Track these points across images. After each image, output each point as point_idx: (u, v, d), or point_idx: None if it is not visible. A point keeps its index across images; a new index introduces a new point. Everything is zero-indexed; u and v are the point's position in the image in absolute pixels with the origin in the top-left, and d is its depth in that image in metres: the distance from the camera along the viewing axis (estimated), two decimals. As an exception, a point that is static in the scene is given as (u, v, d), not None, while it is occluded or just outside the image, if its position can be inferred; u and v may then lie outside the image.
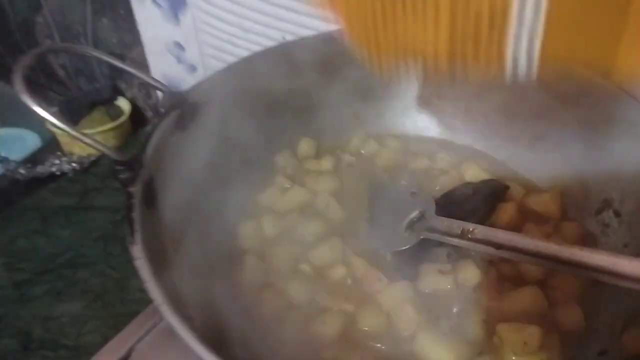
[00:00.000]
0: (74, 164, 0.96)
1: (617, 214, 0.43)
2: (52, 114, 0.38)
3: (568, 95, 0.46)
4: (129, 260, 0.79)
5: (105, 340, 0.67)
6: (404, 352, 0.38)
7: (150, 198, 0.38)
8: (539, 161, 0.50)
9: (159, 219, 0.38)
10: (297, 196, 0.50)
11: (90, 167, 0.97)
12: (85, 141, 0.37)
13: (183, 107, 0.45)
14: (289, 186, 0.51)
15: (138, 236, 0.33)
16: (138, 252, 0.32)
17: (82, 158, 0.98)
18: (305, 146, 0.55)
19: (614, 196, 0.43)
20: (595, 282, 0.36)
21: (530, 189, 0.49)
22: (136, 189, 0.37)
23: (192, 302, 0.35)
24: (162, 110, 0.45)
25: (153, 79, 0.45)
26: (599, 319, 0.38)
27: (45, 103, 1.14)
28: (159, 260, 0.34)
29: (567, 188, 0.47)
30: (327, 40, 0.53)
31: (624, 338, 0.34)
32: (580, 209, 0.46)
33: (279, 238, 0.47)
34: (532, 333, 0.36)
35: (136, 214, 0.35)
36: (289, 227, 0.47)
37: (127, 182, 0.38)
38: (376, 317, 0.39)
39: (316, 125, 0.56)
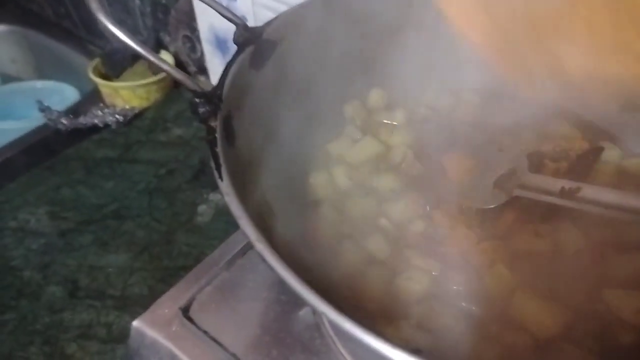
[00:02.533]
0: (117, 116, 0.94)
1: None
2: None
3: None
4: (175, 214, 0.78)
5: (152, 292, 0.67)
6: (497, 314, 0.34)
7: (230, 135, 0.35)
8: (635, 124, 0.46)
9: (237, 157, 0.35)
10: (370, 148, 0.47)
11: (133, 119, 0.95)
12: (163, 67, 0.34)
13: (257, 44, 0.42)
14: (359, 137, 0.48)
15: (224, 171, 0.30)
16: (227, 188, 0.29)
17: (125, 110, 0.96)
18: (375, 97, 0.51)
19: None
20: None
21: (626, 151, 0.45)
22: (217, 124, 0.34)
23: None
24: (235, 44, 0.41)
25: (228, 10, 0.42)
26: None
27: (87, 56, 1.11)
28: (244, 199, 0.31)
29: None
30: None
31: None
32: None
33: (353, 190, 0.44)
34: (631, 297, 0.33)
35: (219, 149, 0.32)
36: (363, 179, 0.44)
37: (205, 117, 0.35)
38: (465, 276, 0.36)
39: (387, 75, 0.52)
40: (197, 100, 0.35)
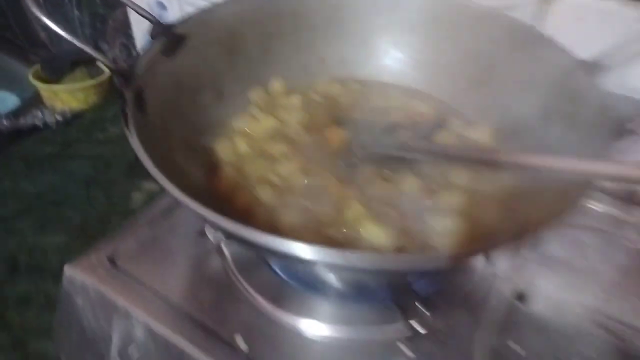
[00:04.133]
0: (56, 117, 1.01)
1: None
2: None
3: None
4: (110, 202, 0.86)
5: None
6: (350, 236, 0.45)
7: (140, 104, 0.45)
8: (478, 104, 0.59)
9: (147, 123, 0.45)
10: (268, 123, 0.57)
11: (72, 120, 1.02)
12: (86, 49, 0.44)
13: (168, 37, 0.52)
14: (260, 115, 0.58)
15: (132, 123, 0.40)
16: (131, 130, 0.39)
17: (65, 112, 1.03)
18: (276, 84, 0.62)
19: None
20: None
21: (469, 123, 0.58)
22: (129, 93, 0.44)
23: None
24: (151, 37, 0.51)
25: (145, 10, 0.52)
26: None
27: (28, 65, 1.19)
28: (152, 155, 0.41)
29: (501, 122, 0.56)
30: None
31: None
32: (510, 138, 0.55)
33: (251, 155, 0.54)
34: (452, 221, 0.45)
35: (129, 110, 0.42)
36: (261, 147, 0.55)
37: (122, 88, 0.44)
38: (330, 210, 0.47)
39: (287, 67, 0.63)
40: (115, 75, 0.44)
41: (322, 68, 0.65)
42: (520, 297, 0.52)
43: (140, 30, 1.00)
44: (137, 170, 0.91)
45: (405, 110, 0.60)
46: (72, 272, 0.52)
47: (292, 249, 0.32)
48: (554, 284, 0.53)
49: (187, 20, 0.54)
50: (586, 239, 0.59)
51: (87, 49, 0.44)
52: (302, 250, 0.32)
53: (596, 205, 0.62)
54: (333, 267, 0.40)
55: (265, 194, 0.49)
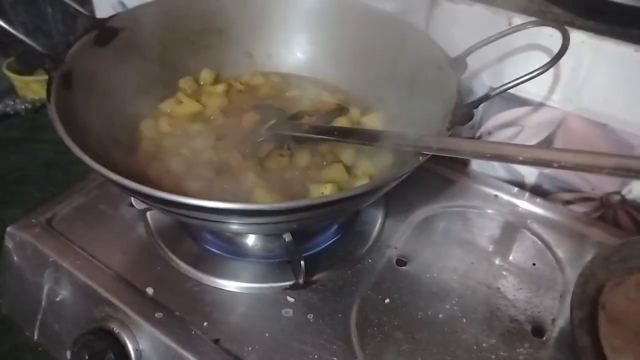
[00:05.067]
0: (26, 105, 1.09)
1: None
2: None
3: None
4: (69, 181, 0.93)
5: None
6: (246, 200, 0.54)
7: (67, 83, 0.53)
8: (373, 92, 0.67)
9: (73, 100, 0.53)
10: (190, 106, 0.66)
11: (40, 108, 1.10)
12: (16, 35, 0.52)
13: (101, 29, 0.60)
14: (186, 100, 0.67)
15: (53, 98, 0.48)
16: (52, 109, 0.47)
17: (35, 100, 1.11)
18: (205, 75, 0.71)
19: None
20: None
21: (365, 111, 0.66)
22: (57, 74, 0.52)
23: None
24: (84, 29, 0.60)
25: (75, 2, 0.60)
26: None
27: (2, 54, 1.27)
28: (70, 124, 0.49)
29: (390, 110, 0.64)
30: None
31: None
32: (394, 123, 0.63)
33: (171, 133, 0.62)
34: (329, 188, 0.53)
35: (53, 87, 0.50)
36: (180, 126, 0.63)
37: (51, 71, 0.53)
38: (230, 181, 0.55)
39: (217, 61, 0.72)
40: (43, 58, 0.53)
41: (250, 62, 0.74)
42: (400, 261, 0.60)
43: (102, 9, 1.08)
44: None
45: (313, 100, 0.68)
46: (13, 231, 0.60)
47: (181, 201, 0.40)
48: (434, 252, 0.62)
49: (120, 15, 0.63)
50: (472, 217, 0.67)
51: (20, 36, 0.53)
52: (191, 201, 0.40)
53: (485, 189, 0.70)
54: (220, 216, 0.48)
55: (175, 164, 0.57)
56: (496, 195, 0.70)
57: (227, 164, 0.58)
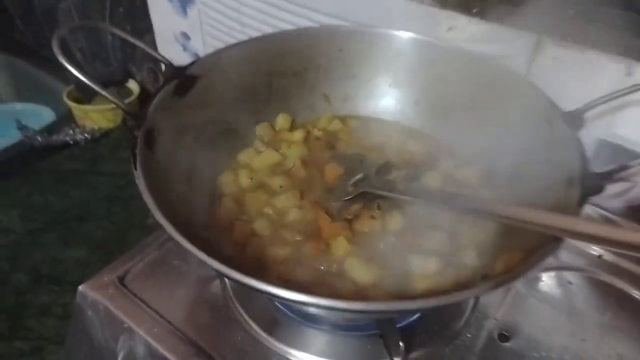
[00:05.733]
0: (86, 135, 1.08)
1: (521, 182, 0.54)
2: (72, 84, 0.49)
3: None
4: (129, 218, 0.92)
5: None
6: (336, 270, 0.49)
7: (150, 142, 0.50)
8: (470, 145, 0.62)
9: (156, 160, 0.49)
10: (270, 157, 0.61)
11: (100, 138, 1.09)
12: (103, 93, 0.49)
13: (181, 78, 0.57)
14: (264, 149, 0.63)
15: (139, 165, 0.45)
16: (139, 174, 0.44)
17: (94, 130, 1.10)
18: (281, 120, 0.66)
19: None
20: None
21: (458, 163, 0.61)
22: (140, 134, 0.48)
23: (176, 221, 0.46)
24: (163, 79, 0.56)
25: (158, 53, 0.57)
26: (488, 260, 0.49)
27: (63, 82, 1.29)
28: (154, 188, 0.46)
29: (488, 163, 0.58)
30: (305, 34, 0.66)
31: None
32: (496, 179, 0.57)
33: (252, 187, 0.58)
34: (434, 262, 0.48)
35: (138, 151, 0.46)
36: (261, 180, 0.59)
37: (132, 129, 0.49)
38: (318, 245, 0.51)
39: (293, 104, 0.68)
40: (126, 116, 0.49)
41: (326, 105, 0.69)
42: (503, 336, 0.54)
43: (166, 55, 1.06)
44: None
45: (399, 148, 0.63)
46: (85, 290, 0.57)
47: (283, 295, 0.36)
48: (539, 325, 0.55)
49: (198, 62, 0.59)
50: (571, 279, 0.60)
51: (100, 90, 0.50)
52: (292, 296, 0.35)
53: (588, 248, 0.64)
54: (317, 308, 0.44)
55: (261, 227, 0.53)
56: (600, 256, 0.63)
57: (314, 226, 0.53)
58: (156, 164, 0.49)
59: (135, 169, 0.45)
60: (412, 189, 0.53)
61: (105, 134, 1.10)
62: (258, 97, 0.65)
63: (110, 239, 0.86)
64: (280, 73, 0.66)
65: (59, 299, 0.75)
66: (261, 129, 0.65)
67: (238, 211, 0.55)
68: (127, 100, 1.12)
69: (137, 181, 0.44)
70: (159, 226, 0.82)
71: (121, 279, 0.59)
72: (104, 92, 0.49)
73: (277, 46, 0.65)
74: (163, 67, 0.58)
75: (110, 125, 1.11)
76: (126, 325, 0.54)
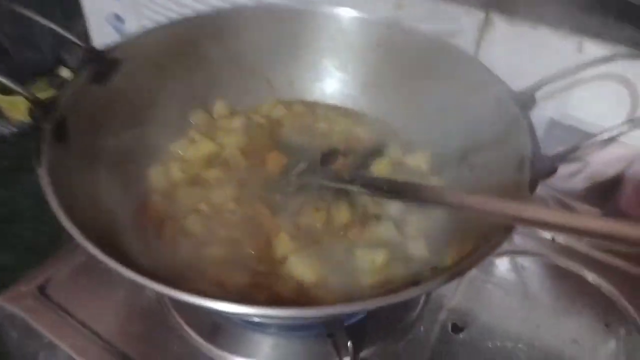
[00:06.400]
0: (13, 128, 0.99)
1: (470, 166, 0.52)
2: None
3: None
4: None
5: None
6: (278, 272, 0.45)
7: (61, 134, 0.44)
8: (418, 128, 0.58)
9: (67, 156, 0.43)
10: (205, 147, 0.56)
11: (29, 131, 1.00)
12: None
13: (100, 62, 0.51)
14: (199, 139, 0.57)
15: (45, 160, 0.39)
16: (44, 176, 0.38)
17: (22, 123, 1.01)
18: (219, 107, 0.61)
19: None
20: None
21: (407, 148, 0.57)
22: (47, 126, 0.43)
23: (93, 225, 0.40)
24: (81, 63, 0.50)
25: (70, 34, 0.51)
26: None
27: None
28: (64, 185, 0.40)
29: (437, 147, 0.55)
30: (242, 13, 0.60)
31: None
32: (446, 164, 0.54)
33: (184, 181, 0.53)
34: (381, 254, 0.44)
35: (44, 145, 0.41)
36: (195, 173, 0.54)
37: (40, 120, 0.43)
38: (258, 243, 0.46)
39: (233, 90, 0.62)
40: (32, 107, 0.43)
41: (269, 90, 0.64)
42: (456, 327, 0.52)
43: (100, 41, 0.98)
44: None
45: (346, 135, 0.59)
46: (2, 302, 0.51)
47: (213, 307, 0.31)
48: (492, 313, 0.53)
49: (120, 45, 0.53)
50: (525, 263, 0.59)
51: (5, 81, 0.43)
52: (229, 308, 0.31)
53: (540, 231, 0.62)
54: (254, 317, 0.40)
55: (193, 225, 0.48)
56: (553, 239, 0.62)
57: (253, 221, 0.49)
58: (69, 163, 0.44)
59: (39, 165, 0.39)
60: (358, 178, 0.49)
61: (36, 127, 1.01)
62: (192, 82, 0.60)
63: (42, 242, 0.79)
64: (215, 56, 0.61)
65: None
66: (196, 117, 0.60)
67: (169, 208, 0.50)
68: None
69: (40, 180, 0.38)
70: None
71: (42, 289, 0.53)
72: (8, 82, 0.43)
73: (211, 26, 0.60)
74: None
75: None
76: (46, 340, 0.48)
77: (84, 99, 0.48)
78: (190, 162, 0.55)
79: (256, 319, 0.47)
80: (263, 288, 0.43)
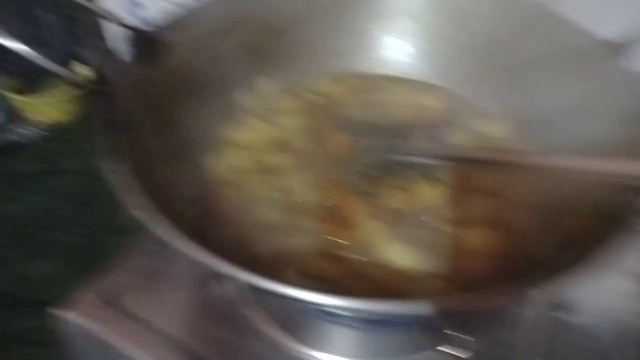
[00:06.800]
0: (41, 132, 0.95)
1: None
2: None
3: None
4: (100, 219, 0.80)
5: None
6: (372, 259, 0.41)
7: (120, 126, 0.40)
8: (492, 94, 0.54)
9: (127, 146, 0.39)
10: (264, 131, 0.52)
11: (56, 133, 0.96)
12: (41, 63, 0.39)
13: (150, 45, 0.46)
14: (255, 122, 0.53)
15: (112, 154, 0.35)
16: (112, 165, 0.34)
17: (49, 125, 0.97)
18: (267, 85, 0.56)
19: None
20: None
21: (484, 117, 0.53)
22: (108, 116, 0.38)
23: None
24: (133, 48, 0.46)
25: (122, 18, 0.46)
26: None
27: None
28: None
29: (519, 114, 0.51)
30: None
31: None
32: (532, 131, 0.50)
33: (250, 169, 0.49)
34: (485, 234, 0.40)
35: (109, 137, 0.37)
36: (258, 159, 0.50)
37: (100, 110, 0.39)
38: (342, 229, 0.42)
39: (279, 66, 0.58)
40: (90, 95, 0.39)
41: (313, 63, 0.59)
42: (563, 309, 0.48)
43: (113, 30, 0.93)
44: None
45: (412, 106, 0.54)
46: (68, 315, 0.48)
47: (311, 299, 0.28)
48: (597, 291, 0.49)
49: (167, 26, 0.48)
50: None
51: (53, 68, 0.39)
52: (326, 300, 0.27)
53: None
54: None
55: (270, 215, 0.44)
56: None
57: (332, 206, 0.45)
58: (129, 153, 0.39)
59: (106, 160, 0.35)
60: (439, 150, 0.45)
61: (62, 128, 0.97)
62: (241, 59, 0.55)
63: (82, 247, 0.75)
64: (254, 29, 0.55)
65: (33, 323, 0.65)
66: (245, 98, 0.55)
67: (240, 199, 0.46)
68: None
69: (110, 175, 0.34)
70: (138, 227, 0.72)
71: (105, 296, 0.49)
72: (59, 69, 0.39)
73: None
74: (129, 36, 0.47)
75: (66, 117, 0.98)
76: (120, 348, 0.45)
77: (137, 86, 0.44)
78: (252, 148, 0.51)
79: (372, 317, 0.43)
80: (362, 278, 0.39)
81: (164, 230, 0.32)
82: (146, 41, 0.47)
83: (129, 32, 0.47)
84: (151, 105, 0.45)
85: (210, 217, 0.44)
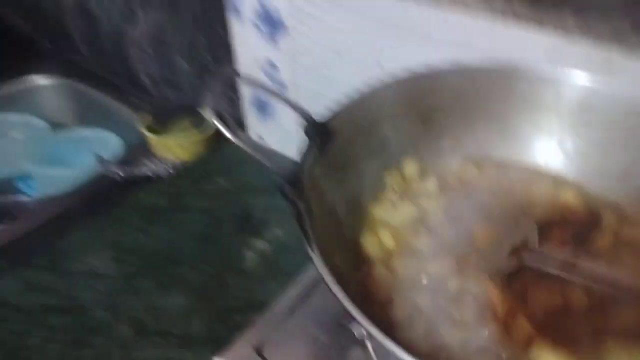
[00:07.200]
0: (167, 168, 1.05)
1: None
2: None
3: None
4: (224, 260, 0.87)
5: (210, 331, 0.75)
6: (519, 356, 0.43)
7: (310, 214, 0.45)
8: (631, 193, 0.55)
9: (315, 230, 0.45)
10: (408, 211, 0.56)
11: (182, 171, 1.06)
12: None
13: (323, 136, 0.52)
14: (399, 202, 0.58)
15: (314, 245, 0.40)
16: (317, 257, 0.39)
17: (175, 163, 1.07)
18: (410, 167, 0.61)
19: None
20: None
21: (624, 219, 0.54)
22: (303, 205, 0.44)
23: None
24: (306, 136, 0.52)
25: (300, 107, 0.52)
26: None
27: (130, 107, 1.24)
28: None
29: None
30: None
31: None
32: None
33: (398, 250, 0.53)
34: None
35: (307, 226, 0.42)
36: (404, 240, 0.54)
37: (292, 199, 0.45)
38: (493, 324, 0.45)
39: (423, 148, 0.62)
40: (283, 183, 0.45)
41: (456, 148, 0.64)
42: None
43: (248, 88, 1.02)
44: (247, 227, 0.93)
45: (553, 202, 0.57)
46: (223, 361, 0.53)
47: None
48: None
49: (337, 116, 0.54)
50: None
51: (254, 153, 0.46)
52: None
53: None
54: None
55: (423, 302, 0.48)
56: None
57: (481, 299, 0.48)
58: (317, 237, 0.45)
59: (310, 247, 0.41)
60: (589, 271, 0.47)
61: (187, 167, 1.06)
62: (388, 143, 0.60)
63: (208, 285, 0.82)
64: (404, 116, 0.61)
65: (166, 354, 0.72)
66: (391, 177, 0.60)
67: (391, 280, 0.51)
68: (205, 132, 1.09)
69: (315, 260, 0.39)
70: (267, 277, 0.77)
71: (258, 351, 0.55)
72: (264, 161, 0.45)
73: (411, 89, 0.60)
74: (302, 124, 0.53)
75: (189, 157, 1.08)
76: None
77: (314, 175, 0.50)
78: (397, 228, 0.55)
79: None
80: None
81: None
82: (317, 129, 0.53)
83: (303, 121, 0.53)
84: (322, 193, 0.50)
85: (365, 295, 0.49)
